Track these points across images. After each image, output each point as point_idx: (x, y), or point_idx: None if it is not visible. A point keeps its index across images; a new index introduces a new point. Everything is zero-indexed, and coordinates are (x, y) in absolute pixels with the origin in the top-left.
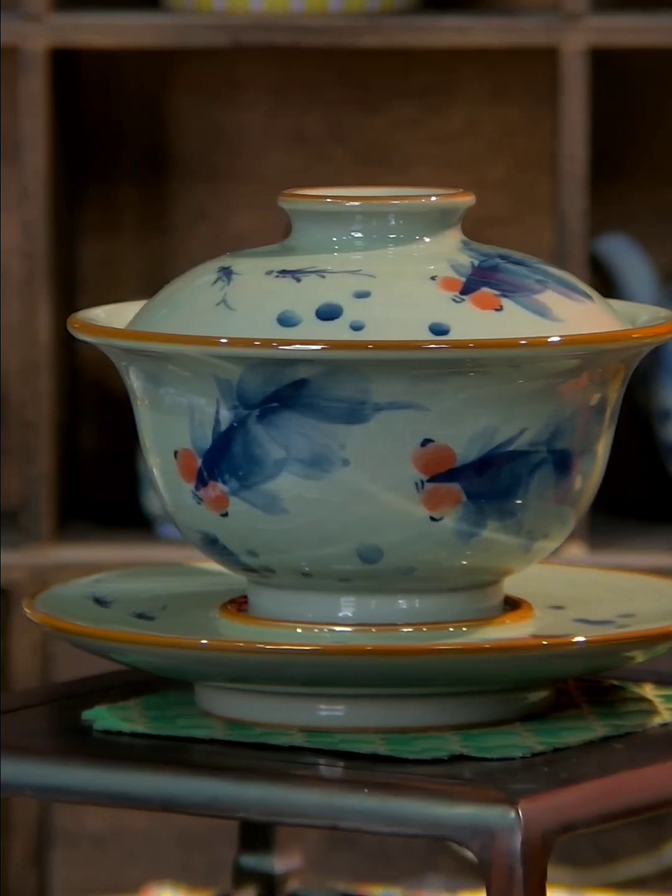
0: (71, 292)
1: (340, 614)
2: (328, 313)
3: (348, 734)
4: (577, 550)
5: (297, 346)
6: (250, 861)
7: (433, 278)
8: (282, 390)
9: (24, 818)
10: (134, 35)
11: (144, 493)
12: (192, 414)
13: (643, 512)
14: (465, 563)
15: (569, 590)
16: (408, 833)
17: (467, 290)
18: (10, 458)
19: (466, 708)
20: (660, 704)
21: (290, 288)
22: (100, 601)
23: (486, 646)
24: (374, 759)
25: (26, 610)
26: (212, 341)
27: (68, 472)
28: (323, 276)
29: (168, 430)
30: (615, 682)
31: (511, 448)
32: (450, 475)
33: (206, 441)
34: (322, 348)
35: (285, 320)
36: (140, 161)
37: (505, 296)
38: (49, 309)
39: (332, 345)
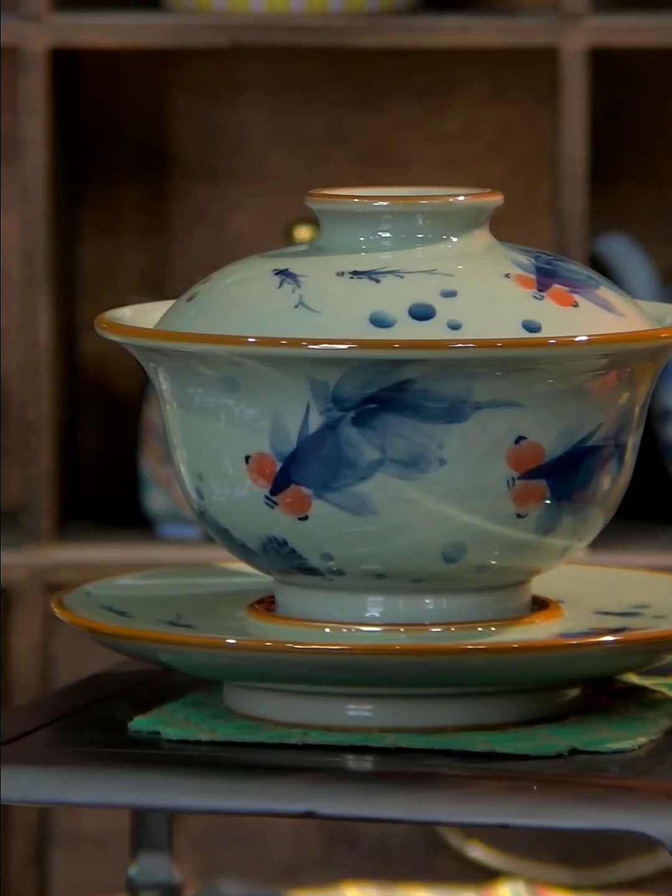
0: (71, 292)
1: (368, 614)
2: (422, 313)
3: (379, 734)
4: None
5: (423, 349)
6: (147, 867)
7: (507, 276)
8: (383, 391)
9: (25, 818)
10: (134, 35)
11: (145, 493)
12: (274, 418)
13: (644, 512)
14: (535, 560)
15: (583, 587)
16: (589, 828)
17: (542, 287)
18: (10, 458)
19: (496, 707)
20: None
21: (372, 289)
22: (127, 601)
23: (516, 645)
24: (491, 756)
25: (55, 610)
26: (331, 342)
27: (68, 472)
28: (401, 277)
29: (239, 435)
30: (635, 682)
31: (589, 443)
32: (538, 471)
33: (290, 445)
34: (454, 347)
35: (379, 321)
36: (140, 161)
37: (574, 292)
38: (49, 309)
39: (445, 344)
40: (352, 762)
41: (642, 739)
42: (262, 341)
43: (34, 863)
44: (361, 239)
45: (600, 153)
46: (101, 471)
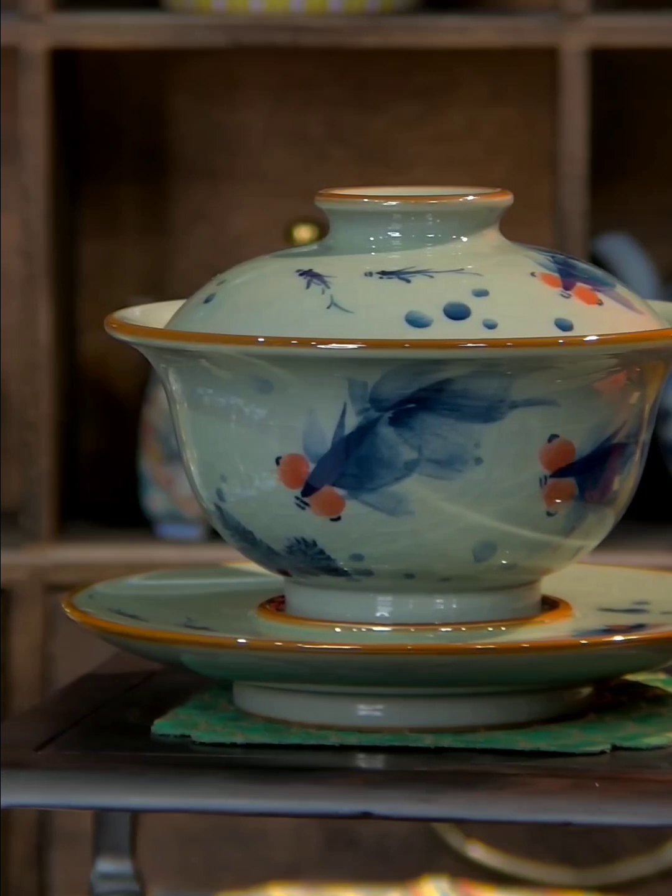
0: (71, 292)
1: (378, 614)
2: (457, 313)
3: (390, 734)
4: None
5: (469, 349)
6: (108, 870)
7: (533, 274)
8: (422, 391)
9: (24, 818)
10: (134, 35)
11: (144, 493)
12: (308, 419)
13: (644, 512)
14: (554, 559)
15: (581, 585)
16: (651, 824)
17: (567, 286)
18: (10, 458)
19: (514, 706)
20: None
21: (404, 289)
22: (138, 601)
23: (526, 645)
24: (536, 754)
25: (66, 609)
26: (396, 344)
27: (68, 472)
28: (431, 276)
29: (270, 437)
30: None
31: (614, 441)
32: (569, 470)
33: (324, 446)
34: (510, 346)
35: (415, 321)
36: (140, 161)
37: (597, 291)
38: (49, 309)
39: (502, 343)
40: (400, 763)
41: (671, 735)
42: (303, 342)
43: (34, 862)
44: (371, 239)
45: (600, 153)
46: (101, 471)
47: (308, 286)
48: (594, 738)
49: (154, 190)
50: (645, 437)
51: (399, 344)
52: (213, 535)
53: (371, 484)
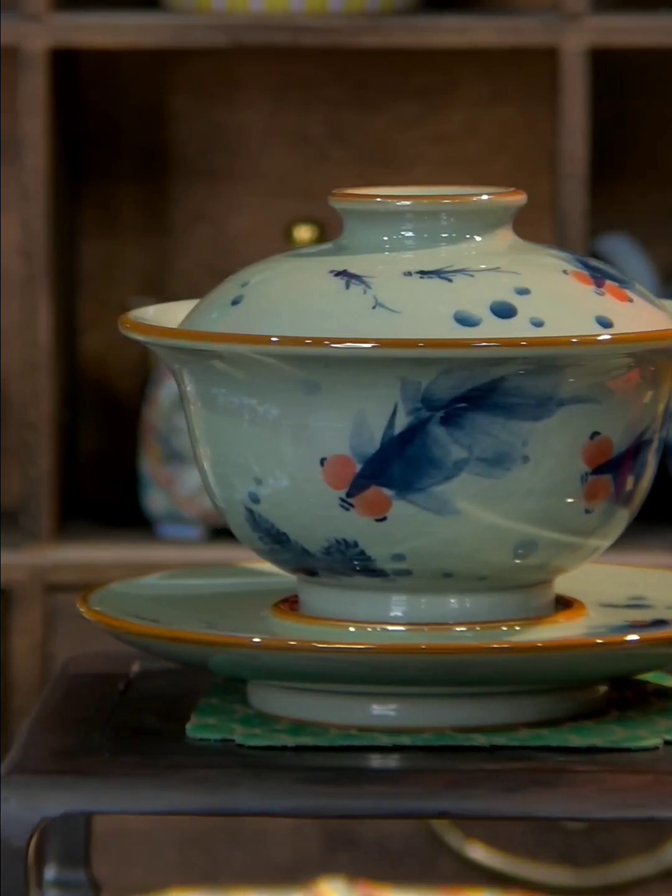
0: (71, 292)
1: (392, 614)
2: (504, 312)
3: (432, 734)
4: None
5: (532, 347)
6: (64, 877)
7: (566, 272)
8: (474, 390)
9: None
10: (134, 35)
11: (144, 493)
12: (356, 420)
13: (644, 511)
14: (579, 557)
15: (577, 584)
16: None
17: (598, 283)
18: (10, 458)
19: (538, 705)
20: None
21: (447, 288)
22: (154, 602)
23: (540, 644)
24: (592, 750)
25: (80, 608)
26: (463, 343)
27: (68, 472)
28: (471, 276)
29: (315, 438)
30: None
31: (645, 438)
32: (607, 466)
33: (373, 446)
34: (575, 343)
35: (464, 320)
36: (140, 161)
37: (623, 288)
38: (49, 308)
39: (575, 341)
40: (474, 761)
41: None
42: (386, 343)
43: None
44: (385, 238)
45: (600, 153)
46: (101, 471)
47: (348, 286)
48: (638, 733)
49: (154, 190)
50: (663, 434)
51: (466, 343)
52: (213, 536)
53: (419, 484)
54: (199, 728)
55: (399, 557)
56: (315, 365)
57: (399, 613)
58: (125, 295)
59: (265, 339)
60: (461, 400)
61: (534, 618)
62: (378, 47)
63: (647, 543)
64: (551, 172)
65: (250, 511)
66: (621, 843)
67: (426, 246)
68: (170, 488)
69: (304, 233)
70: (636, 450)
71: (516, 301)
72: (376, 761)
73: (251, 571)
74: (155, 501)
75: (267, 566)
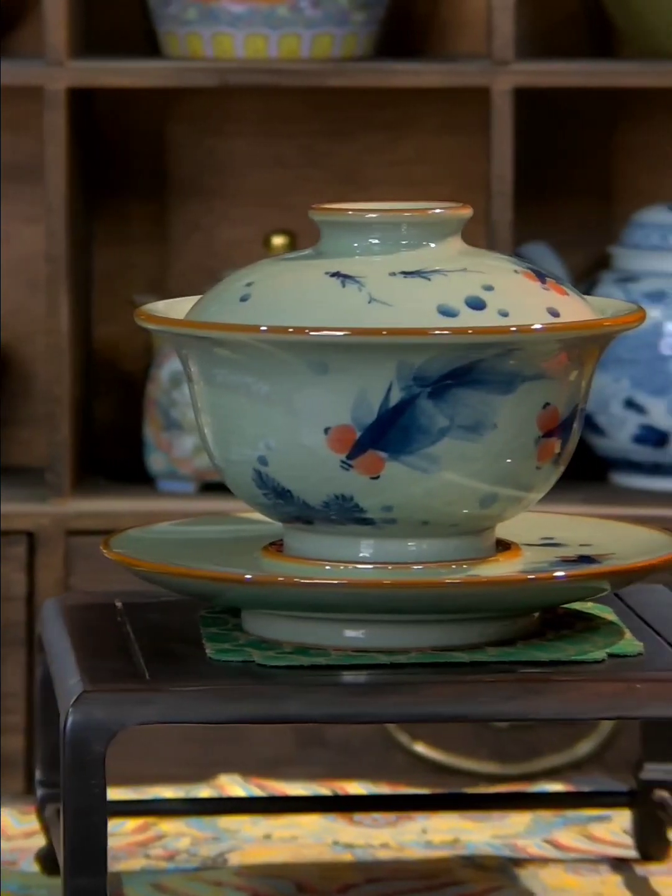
0: (87, 290)
1: (361, 554)
2: (476, 304)
3: (396, 653)
4: None
5: (578, 330)
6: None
7: (517, 271)
8: (458, 369)
9: (16, 724)
10: (140, 77)
11: (147, 455)
12: (357, 395)
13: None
14: (522, 507)
15: (532, 531)
16: None
17: (542, 281)
18: (38, 427)
19: (488, 628)
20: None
21: (428, 285)
22: (162, 544)
23: (484, 580)
24: (556, 663)
25: (103, 550)
26: (460, 331)
27: (85, 438)
28: (446, 275)
29: (321, 411)
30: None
31: (580, 406)
32: (554, 431)
33: (371, 416)
34: (540, 330)
35: (445, 312)
36: (145, 181)
37: (560, 284)
38: (69, 303)
39: (595, 327)
40: (468, 674)
41: (639, 644)
42: (393, 331)
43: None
44: (355, 244)
45: (525, 175)
46: (112, 437)
47: (344, 286)
48: (584, 648)
49: (157, 205)
50: (584, 405)
51: (461, 331)
52: (204, 489)
53: (409, 448)
54: (221, 652)
55: (387, 508)
56: (327, 351)
57: (367, 554)
58: (132, 292)
59: (302, 330)
60: (447, 377)
61: (480, 558)
62: (345, 87)
63: (557, 495)
64: (485, 191)
65: (259, 472)
66: (544, 741)
67: (391, 251)
68: (169, 451)
69: (278, 240)
70: (573, 417)
71: (485, 296)
72: (387, 676)
73: (242, 520)
74: (156, 462)
75: (255, 515)
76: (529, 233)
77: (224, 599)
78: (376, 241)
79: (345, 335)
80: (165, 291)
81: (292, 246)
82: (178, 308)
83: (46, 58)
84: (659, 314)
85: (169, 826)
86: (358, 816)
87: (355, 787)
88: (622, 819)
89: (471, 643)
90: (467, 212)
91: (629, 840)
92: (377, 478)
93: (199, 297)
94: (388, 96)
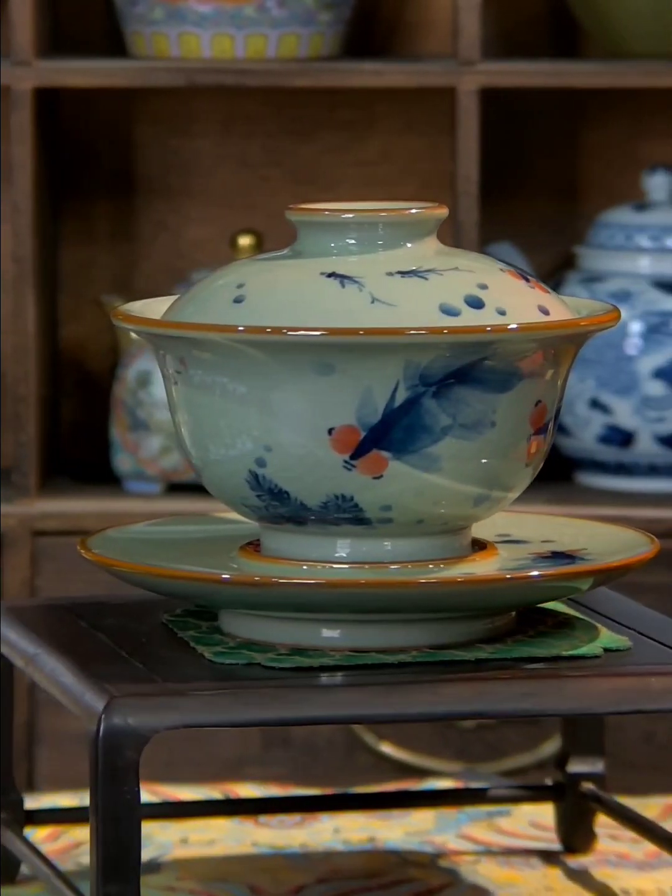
0: (53, 289)
1: (336, 554)
2: (475, 303)
3: (393, 653)
4: None
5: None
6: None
7: (503, 270)
8: (462, 368)
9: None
10: (106, 77)
11: (114, 455)
12: (363, 395)
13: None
14: (507, 504)
15: (507, 529)
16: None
17: (526, 279)
18: (4, 427)
19: (473, 627)
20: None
21: (425, 285)
22: (139, 544)
23: (460, 579)
24: (557, 659)
25: (81, 551)
26: (469, 330)
27: (51, 438)
28: (441, 275)
29: (324, 411)
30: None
31: (560, 405)
32: (542, 429)
33: (376, 416)
34: (544, 328)
35: (447, 311)
36: (111, 181)
37: (540, 283)
38: (35, 303)
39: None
40: (479, 671)
41: (624, 638)
42: (393, 331)
43: (24, 758)
44: (332, 245)
45: (490, 175)
46: (78, 437)
47: (343, 286)
48: (575, 644)
49: (123, 205)
50: (561, 403)
51: (471, 330)
52: (171, 490)
53: (413, 447)
54: (219, 655)
55: (386, 508)
56: (332, 351)
57: (343, 554)
58: (98, 292)
59: (339, 330)
60: (451, 376)
61: (456, 557)
62: (309, 87)
63: (523, 495)
64: (450, 191)
65: (255, 473)
66: (507, 741)
67: (369, 251)
68: (135, 451)
69: (245, 240)
70: (556, 415)
71: (481, 294)
72: (399, 676)
73: (216, 520)
74: (123, 462)
75: (230, 515)
76: (494, 232)
77: (210, 600)
78: (353, 242)
79: (360, 336)
80: (132, 291)
81: (259, 246)
82: (153, 308)
83: (12, 58)
84: (624, 314)
85: (81, 833)
86: (262, 818)
87: (246, 790)
88: (523, 813)
89: (462, 641)
90: (443, 211)
91: (538, 832)
92: (379, 477)
93: (174, 297)
94: (352, 96)
